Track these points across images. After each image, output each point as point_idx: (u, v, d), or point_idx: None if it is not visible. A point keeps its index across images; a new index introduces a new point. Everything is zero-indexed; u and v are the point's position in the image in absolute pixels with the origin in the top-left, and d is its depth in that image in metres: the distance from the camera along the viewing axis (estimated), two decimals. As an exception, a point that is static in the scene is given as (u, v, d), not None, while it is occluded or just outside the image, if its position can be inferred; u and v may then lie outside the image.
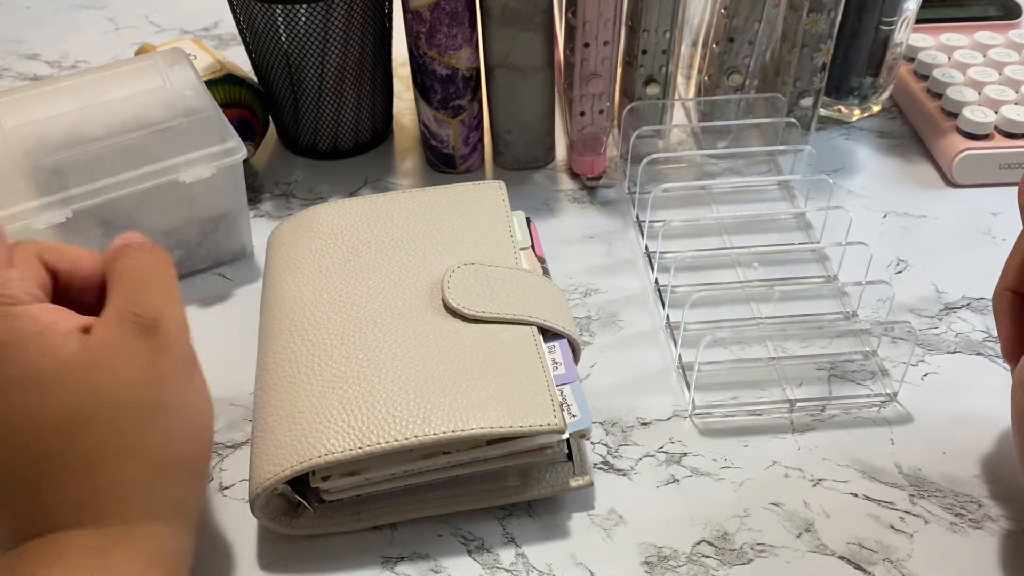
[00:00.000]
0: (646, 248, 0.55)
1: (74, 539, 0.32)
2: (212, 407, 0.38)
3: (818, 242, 0.55)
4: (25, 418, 0.33)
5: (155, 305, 0.35)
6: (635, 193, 0.58)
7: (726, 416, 0.46)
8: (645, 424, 0.46)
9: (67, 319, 0.34)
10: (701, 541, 0.41)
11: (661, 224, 0.54)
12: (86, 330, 0.34)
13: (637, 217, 0.57)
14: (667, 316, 0.51)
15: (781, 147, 0.60)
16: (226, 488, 0.44)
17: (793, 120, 0.59)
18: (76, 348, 0.33)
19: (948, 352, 0.49)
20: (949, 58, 0.65)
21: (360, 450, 0.37)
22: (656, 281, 0.53)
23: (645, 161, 0.56)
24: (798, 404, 0.46)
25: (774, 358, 0.49)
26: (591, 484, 0.42)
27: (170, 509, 0.35)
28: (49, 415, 0.33)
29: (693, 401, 0.47)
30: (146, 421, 0.34)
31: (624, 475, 0.44)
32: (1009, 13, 0.70)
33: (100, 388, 0.33)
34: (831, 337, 0.50)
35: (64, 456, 0.33)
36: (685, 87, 0.65)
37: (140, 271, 0.37)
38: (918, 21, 0.64)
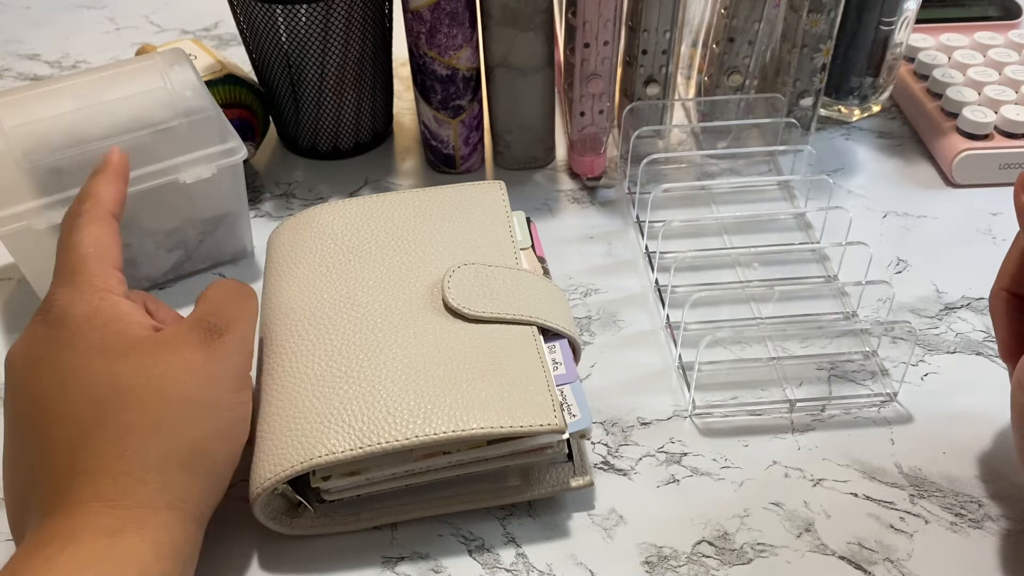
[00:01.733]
0: (646, 248, 0.55)
1: (89, 519, 0.34)
2: (248, 425, 0.39)
3: (818, 242, 0.55)
4: (89, 381, 0.36)
5: (227, 317, 0.39)
6: (635, 193, 0.58)
7: (726, 416, 0.46)
8: (645, 424, 0.46)
9: (146, 317, 0.39)
10: (701, 541, 0.41)
11: (661, 224, 0.54)
12: (157, 329, 0.38)
13: (637, 217, 0.57)
14: (667, 316, 0.51)
15: (781, 147, 0.60)
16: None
17: (793, 120, 0.59)
18: (146, 335, 0.37)
19: (948, 352, 0.49)
20: (949, 58, 0.65)
21: (361, 450, 0.37)
22: (656, 281, 0.53)
23: (645, 161, 0.56)
24: (798, 404, 0.46)
25: (774, 358, 0.49)
26: (591, 484, 0.42)
27: (183, 503, 0.36)
28: (106, 383, 0.36)
29: (693, 401, 0.47)
30: (184, 413, 0.36)
31: (624, 475, 0.44)
32: (1009, 13, 0.70)
33: (152, 371, 0.36)
34: (831, 337, 0.50)
35: (106, 423, 0.35)
36: (685, 87, 0.65)
37: (223, 293, 0.41)
38: (918, 21, 0.64)
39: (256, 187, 0.61)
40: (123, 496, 0.34)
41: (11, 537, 0.42)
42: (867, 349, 0.49)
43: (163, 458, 0.35)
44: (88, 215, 0.40)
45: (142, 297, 0.42)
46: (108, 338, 0.36)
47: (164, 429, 0.36)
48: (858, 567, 0.40)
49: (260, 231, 0.57)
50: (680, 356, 0.48)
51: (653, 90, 0.59)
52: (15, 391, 0.37)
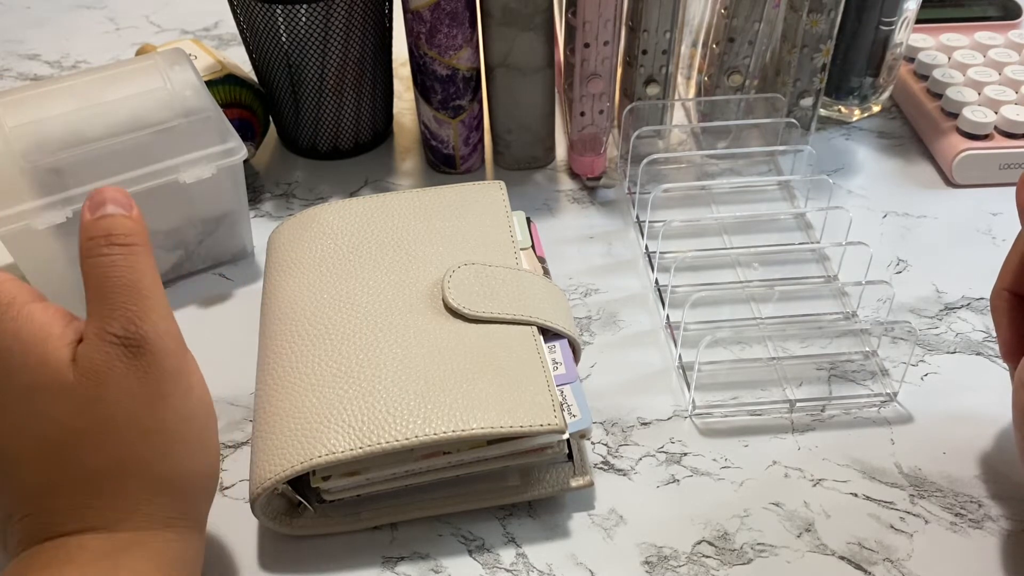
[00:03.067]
0: (646, 248, 0.55)
1: (86, 543, 0.33)
2: (212, 413, 0.37)
3: (818, 242, 0.55)
4: (37, 426, 0.33)
5: (129, 317, 0.33)
6: (635, 193, 0.58)
7: (726, 416, 0.46)
8: (645, 424, 0.46)
9: (60, 321, 0.34)
10: (701, 541, 0.41)
11: (661, 224, 0.54)
12: (78, 340, 0.34)
13: (637, 217, 0.57)
14: (667, 316, 0.51)
15: (781, 147, 0.60)
16: (226, 488, 0.44)
17: (793, 120, 0.59)
18: (70, 363, 0.33)
19: (948, 352, 0.49)
20: (949, 58, 0.65)
21: (361, 450, 0.37)
22: (656, 281, 0.53)
23: (645, 161, 0.56)
24: (798, 404, 0.46)
25: (774, 358, 0.49)
26: (591, 484, 0.42)
27: (179, 518, 0.35)
28: (52, 428, 0.33)
29: (693, 401, 0.47)
30: (143, 442, 0.34)
31: (624, 475, 0.44)
32: (1009, 13, 0.70)
33: (95, 411, 0.33)
34: (831, 337, 0.50)
35: (67, 469, 0.33)
36: (685, 87, 0.65)
37: (108, 278, 0.34)
38: (918, 21, 0.64)
39: (256, 187, 0.61)
40: (115, 524, 0.33)
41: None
42: (867, 349, 0.49)
43: (141, 488, 0.34)
44: None
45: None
46: (36, 376, 0.32)
47: (129, 464, 0.33)
48: (858, 567, 0.40)
49: (260, 231, 0.57)
50: (680, 356, 0.48)
51: (653, 90, 0.59)
52: None
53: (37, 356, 0.33)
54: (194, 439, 0.35)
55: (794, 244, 0.55)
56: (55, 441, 0.33)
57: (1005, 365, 0.48)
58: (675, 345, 0.49)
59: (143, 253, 0.35)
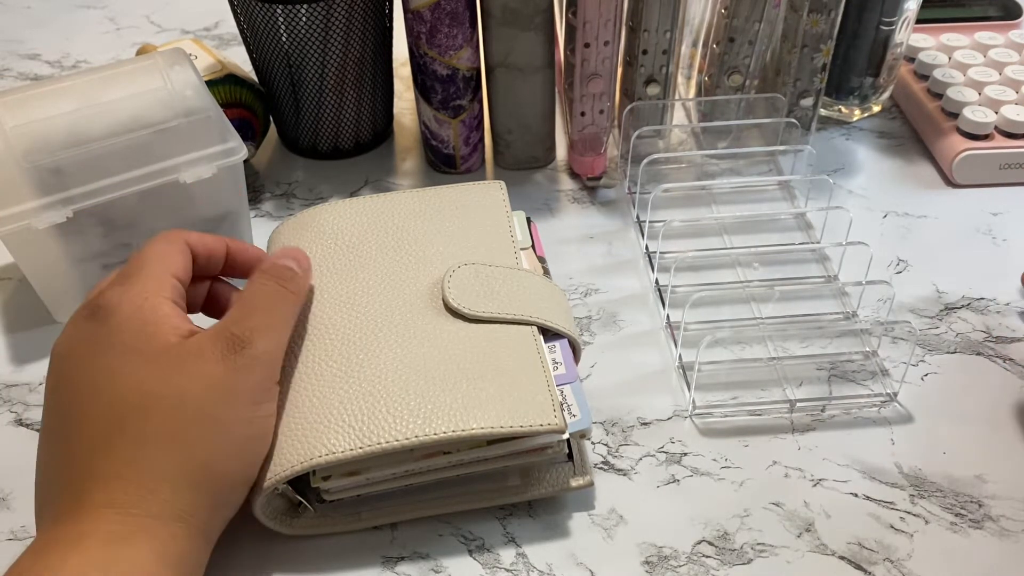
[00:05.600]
0: (646, 248, 0.55)
1: (98, 524, 0.34)
2: (269, 439, 0.38)
3: (818, 242, 0.55)
4: (118, 385, 0.36)
5: (253, 327, 0.38)
6: (635, 193, 0.58)
7: (726, 416, 0.46)
8: (645, 424, 0.46)
9: (186, 321, 0.38)
10: (701, 541, 0.41)
11: (661, 224, 0.54)
12: (192, 334, 0.38)
13: (637, 217, 0.57)
14: (667, 316, 0.51)
15: (781, 147, 0.60)
16: (227, 488, 0.44)
17: (793, 120, 0.59)
18: (175, 342, 0.37)
19: (948, 352, 0.49)
20: (949, 58, 0.65)
21: (361, 450, 0.37)
22: (656, 281, 0.53)
23: (645, 161, 0.56)
24: (798, 404, 0.46)
25: (774, 358, 0.49)
26: (591, 484, 0.42)
27: (193, 516, 0.36)
28: (133, 389, 0.36)
29: (693, 401, 0.47)
30: (199, 428, 0.36)
31: (624, 475, 0.44)
32: (1009, 13, 0.70)
33: (174, 382, 0.36)
34: (831, 337, 0.50)
35: (126, 430, 0.35)
36: (685, 87, 0.65)
37: (257, 297, 0.40)
38: (918, 21, 0.64)
39: (256, 187, 0.61)
40: (133, 504, 0.34)
41: (12, 537, 0.42)
42: (867, 349, 0.49)
43: (176, 470, 0.35)
44: (163, 235, 0.41)
45: (187, 240, 0.41)
46: (140, 342, 0.37)
47: (179, 442, 0.35)
48: (858, 567, 0.40)
49: (260, 231, 0.57)
50: (680, 356, 0.48)
51: (653, 90, 0.59)
52: (55, 384, 0.37)
53: (149, 329, 0.37)
54: (242, 446, 0.37)
55: (794, 244, 0.55)
56: (128, 402, 0.36)
57: (1006, 365, 0.48)
58: (675, 345, 0.49)
59: (294, 301, 0.41)
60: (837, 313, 0.51)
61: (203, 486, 0.36)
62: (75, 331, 0.38)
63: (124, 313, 0.37)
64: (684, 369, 0.48)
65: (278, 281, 0.41)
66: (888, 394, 0.47)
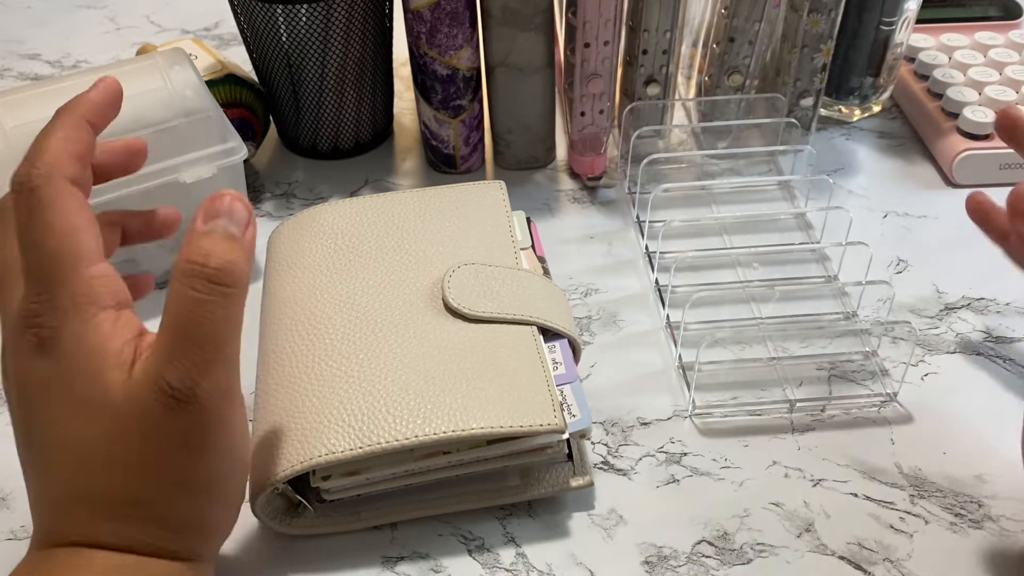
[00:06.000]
0: (646, 248, 0.55)
1: (94, 558, 0.33)
2: (246, 469, 0.37)
3: (818, 242, 0.55)
4: (75, 438, 0.33)
5: (192, 373, 0.32)
6: (635, 193, 0.58)
7: (726, 416, 0.46)
8: (645, 424, 0.46)
9: (124, 336, 0.33)
10: (701, 541, 0.41)
11: (661, 224, 0.54)
12: (134, 360, 0.33)
13: (637, 217, 0.57)
14: (667, 316, 0.51)
15: (781, 147, 0.60)
16: (226, 488, 0.44)
17: (793, 120, 0.59)
18: (121, 383, 0.32)
19: (948, 352, 0.49)
20: (949, 58, 0.65)
21: (361, 450, 0.37)
22: (656, 281, 0.53)
23: (645, 161, 0.56)
24: (798, 404, 0.46)
25: (774, 358, 0.49)
26: (591, 484, 0.42)
27: (187, 552, 0.35)
28: (88, 445, 0.33)
29: (693, 401, 0.47)
30: (168, 485, 0.34)
31: (624, 475, 0.44)
32: (1009, 13, 0.70)
33: (130, 442, 0.33)
34: (831, 337, 0.50)
35: (93, 485, 0.33)
36: (685, 87, 0.65)
37: (193, 321, 0.32)
38: (918, 21, 0.64)
39: (256, 187, 0.61)
40: (123, 545, 0.34)
41: (11, 536, 0.42)
42: (867, 349, 0.49)
43: (157, 524, 0.34)
44: (44, 186, 0.33)
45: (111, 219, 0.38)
46: (87, 387, 0.33)
47: (151, 503, 0.34)
48: (858, 567, 0.40)
49: (260, 231, 0.56)
50: (680, 356, 0.48)
51: (653, 90, 0.59)
52: (20, 418, 0.34)
53: (93, 368, 0.32)
54: (220, 493, 0.35)
55: (794, 244, 0.55)
56: (87, 460, 0.33)
57: (1007, 365, 0.48)
58: (675, 345, 0.49)
59: (238, 299, 0.33)
60: (837, 313, 0.51)
61: (191, 532, 0.35)
62: (27, 367, 0.33)
63: (65, 347, 0.33)
64: (684, 369, 0.48)
65: (207, 282, 0.32)
66: (888, 394, 0.47)
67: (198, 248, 0.33)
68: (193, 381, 0.32)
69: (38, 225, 0.33)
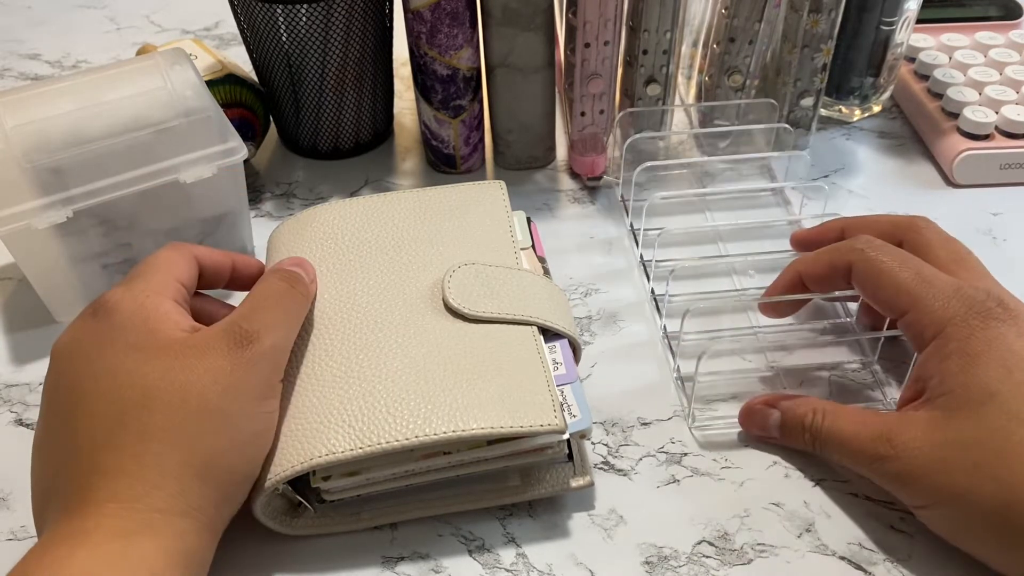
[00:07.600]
0: (641, 257, 0.55)
1: (103, 520, 0.34)
2: (271, 437, 0.39)
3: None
4: (121, 381, 0.36)
5: (261, 323, 0.38)
6: (628, 200, 0.57)
7: (726, 429, 0.46)
8: (645, 424, 0.46)
9: (187, 319, 0.39)
10: (701, 541, 0.41)
11: (656, 232, 0.53)
12: (195, 330, 0.38)
13: (631, 225, 0.57)
14: (664, 327, 0.50)
15: (775, 153, 0.59)
16: (226, 488, 0.44)
17: (786, 125, 0.58)
18: (178, 337, 0.37)
19: (948, 352, 0.49)
20: (950, 58, 0.65)
21: (361, 450, 0.37)
22: (652, 291, 0.53)
23: (639, 169, 0.55)
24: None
25: (772, 367, 0.49)
26: (591, 484, 0.42)
27: (199, 511, 0.36)
28: (135, 384, 0.36)
29: (693, 415, 0.46)
30: (203, 422, 0.36)
31: (624, 475, 0.44)
32: (1009, 13, 0.70)
33: (177, 376, 0.36)
34: (830, 345, 0.50)
35: (130, 425, 0.35)
36: (686, 87, 0.65)
37: (266, 294, 0.41)
38: (919, 21, 0.64)
39: (256, 187, 0.61)
40: (138, 499, 0.34)
41: (11, 537, 0.42)
42: (865, 357, 0.49)
43: (180, 465, 0.35)
44: (172, 244, 0.42)
45: (193, 253, 0.43)
46: (143, 338, 0.37)
47: (183, 436, 0.35)
48: (858, 567, 0.40)
49: (260, 231, 0.57)
50: (678, 368, 0.48)
51: (654, 90, 0.59)
52: (55, 382, 0.37)
53: (151, 325, 0.37)
54: (247, 441, 0.37)
55: (790, 251, 0.55)
56: (130, 398, 0.36)
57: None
58: (673, 357, 0.49)
59: (302, 302, 0.42)
60: (835, 320, 0.51)
61: (208, 481, 0.36)
62: (77, 329, 0.38)
63: (126, 310, 0.37)
64: (683, 381, 0.48)
65: (288, 281, 0.41)
66: (888, 402, 0.47)
67: (285, 269, 0.42)
68: (260, 330, 0.38)
69: (158, 252, 0.42)
